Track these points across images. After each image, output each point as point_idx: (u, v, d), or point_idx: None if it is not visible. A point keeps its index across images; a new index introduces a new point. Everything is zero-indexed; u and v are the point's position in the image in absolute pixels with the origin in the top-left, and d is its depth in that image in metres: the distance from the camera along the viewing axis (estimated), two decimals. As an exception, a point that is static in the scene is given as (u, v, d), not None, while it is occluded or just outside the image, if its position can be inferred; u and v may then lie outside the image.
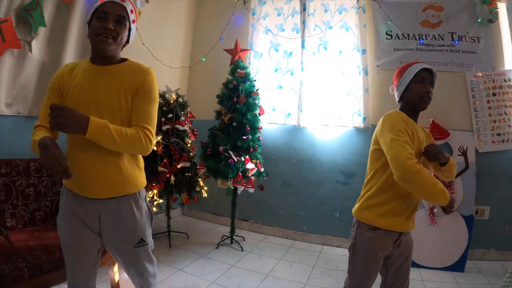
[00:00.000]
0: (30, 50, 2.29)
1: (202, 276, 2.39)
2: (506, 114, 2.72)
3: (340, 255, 2.86)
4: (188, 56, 3.81)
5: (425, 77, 1.30)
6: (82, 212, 1.19)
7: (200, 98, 3.63)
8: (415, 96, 1.29)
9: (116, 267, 2.07)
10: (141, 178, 1.27)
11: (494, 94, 2.75)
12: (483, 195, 2.70)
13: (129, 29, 1.21)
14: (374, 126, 2.85)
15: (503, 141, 2.72)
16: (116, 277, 2.07)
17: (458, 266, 2.59)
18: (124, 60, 1.24)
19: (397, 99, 1.40)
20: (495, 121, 2.73)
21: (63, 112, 0.97)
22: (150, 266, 1.32)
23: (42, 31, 2.31)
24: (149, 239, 1.29)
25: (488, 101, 2.76)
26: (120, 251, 1.26)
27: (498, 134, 2.73)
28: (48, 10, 2.35)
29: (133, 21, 1.22)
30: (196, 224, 3.59)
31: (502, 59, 2.78)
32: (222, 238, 3.03)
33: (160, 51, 3.33)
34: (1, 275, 1.52)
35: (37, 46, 2.31)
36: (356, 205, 1.41)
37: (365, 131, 2.94)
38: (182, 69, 3.71)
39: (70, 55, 2.51)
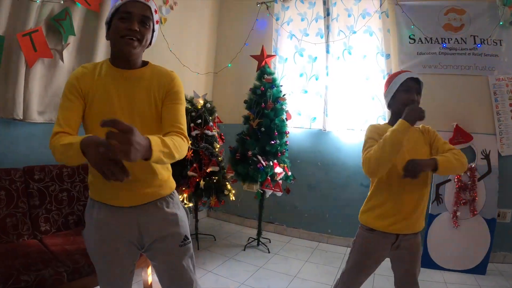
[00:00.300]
0: (62, 59, 2.32)
1: (231, 278, 2.42)
2: (529, 117, 2.73)
3: None
4: (212, 61, 3.81)
5: (411, 86, 1.34)
6: (118, 224, 1.11)
7: (225, 102, 3.63)
8: (400, 104, 1.34)
9: (149, 269, 2.09)
10: (172, 179, 1.24)
11: (516, 97, 2.76)
12: (506, 199, 2.71)
13: (153, 30, 1.13)
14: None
15: (526, 143, 2.73)
16: (149, 279, 2.10)
17: (480, 269, 2.60)
18: (145, 63, 1.17)
19: (386, 106, 1.46)
20: (518, 124, 2.75)
21: (135, 138, 0.75)
22: (192, 266, 1.25)
23: (71, 40, 2.34)
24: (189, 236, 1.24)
25: (511, 105, 2.76)
26: (166, 254, 1.17)
27: (521, 137, 2.74)
28: (76, 20, 2.37)
29: (157, 22, 1.14)
30: (222, 226, 3.62)
31: (525, 63, 2.78)
32: (248, 240, 3.05)
33: (186, 57, 3.33)
34: (41, 279, 1.55)
35: (67, 54, 2.33)
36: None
37: (390, 135, 2.95)
38: (207, 74, 3.71)
39: None
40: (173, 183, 1.24)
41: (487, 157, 2.73)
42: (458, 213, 2.68)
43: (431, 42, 2.93)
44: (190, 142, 1.10)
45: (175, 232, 1.17)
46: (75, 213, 2.26)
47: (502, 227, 2.71)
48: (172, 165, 2.72)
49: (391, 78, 1.41)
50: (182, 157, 1.05)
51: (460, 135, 2.79)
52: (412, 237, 1.36)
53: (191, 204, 2.80)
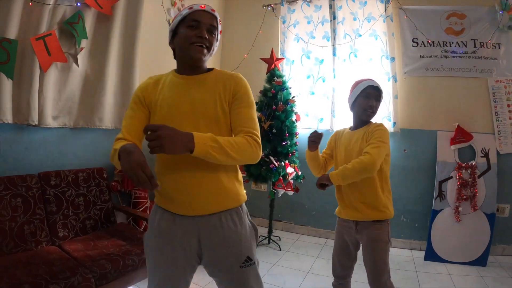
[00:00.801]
0: (76, 63, 2.24)
1: None
2: (525, 117, 2.81)
3: None
4: (218, 64, 3.74)
5: (371, 93, 1.47)
6: (179, 233, 1.06)
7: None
8: (360, 109, 1.49)
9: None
10: (242, 191, 1.14)
11: (514, 99, 2.83)
12: (504, 194, 2.79)
13: (216, 40, 1.13)
14: (403, 130, 2.95)
15: (522, 142, 2.81)
16: None
17: (481, 261, 2.68)
18: (210, 69, 1.14)
19: (349, 108, 1.60)
20: (514, 124, 2.82)
21: (163, 132, 0.85)
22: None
23: (83, 43, 2.25)
24: (256, 257, 1.13)
25: (509, 105, 2.84)
26: (224, 273, 1.09)
27: (518, 136, 2.82)
28: (88, 23, 2.29)
29: (220, 32, 1.14)
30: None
31: (522, 65, 2.85)
32: (259, 238, 3.03)
33: None
34: (70, 287, 1.51)
35: (80, 58, 2.24)
36: None
37: (395, 135, 2.98)
38: None
39: (112, 67, 2.45)
40: (242, 196, 1.13)
41: (486, 155, 2.80)
42: (460, 209, 2.75)
43: (433, 46, 2.96)
44: (260, 148, 1.04)
45: (236, 252, 1.07)
46: (92, 217, 2.21)
47: (501, 221, 2.79)
48: None
49: (355, 85, 1.55)
50: (246, 159, 1.01)
51: (461, 135, 2.85)
52: (369, 226, 1.46)
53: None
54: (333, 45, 3.06)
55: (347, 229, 1.54)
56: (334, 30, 3.06)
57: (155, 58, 2.85)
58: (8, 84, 1.89)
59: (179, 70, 1.12)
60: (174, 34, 1.10)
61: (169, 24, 3.07)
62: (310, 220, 3.33)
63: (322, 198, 3.27)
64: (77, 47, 2.20)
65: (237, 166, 1.13)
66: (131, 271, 1.81)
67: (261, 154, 1.05)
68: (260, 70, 3.08)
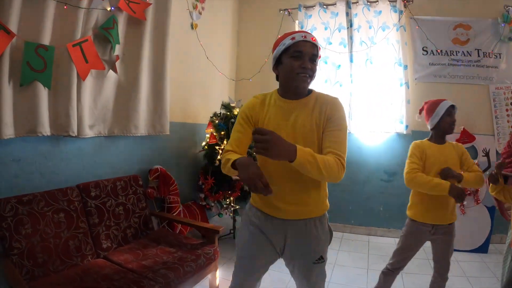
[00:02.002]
0: (115, 70, 2.03)
1: (281, 271, 2.35)
2: (521, 120, 2.93)
3: (386, 243, 2.99)
4: (234, 67, 3.57)
5: (452, 112, 1.64)
6: (269, 230, 1.18)
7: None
8: (447, 124, 1.63)
9: (217, 272, 1.99)
10: (326, 202, 1.24)
11: None
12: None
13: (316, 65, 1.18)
14: (414, 132, 2.98)
15: (518, 143, 2.93)
16: (217, 281, 2.00)
17: (483, 248, 2.82)
18: (310, 91, 1.19)
19: (430, 126, 1.68)
20: (512, 127, 2.93)
21: (271, 137, 0.91)
22: (322, 282, 1.28)
23: (117, 49, 2.04)
24: (326, 256, 1.25)
25: (507, 110, 2.94)
26: (299, 266, 1.23)
27: (515, 138, 2.93)
28: (121, 28, 2.07)
29: (319, 57, 1.17)
30: None
31: (519, 73, 2.95)
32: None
33: (219, 63, 3.10)
34: None
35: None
36: None
37: (407, 136, 3.02)
38: (229, 80, 3.47)
39: (145, 74, 2.26)
40: (326, 206, 1.23)
41: (487, 154, 2.86)
42: (464, 202, 2.84)
43: (441, 54, 3.00)
44: (344, 171, 1.06)
45: (313, 252, 1.19)
46: (132, 226, 2.07)
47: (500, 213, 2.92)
48: (216, 170, 2.49)
49: (434, 106, 1.65)
50: (331, 178, 1.03)
51: (466, 136, 2.92)
52: (446, 226, 1.63)
53: (238, 207, 2.66)
54: (350, 51, 3.00)
55: (425, 232, 1.65)
56: (351, 37, 3.00)
57: (181, 63, 2.66)
58: (44, 93, 1.68)
59: (283, 94, 1.17)
60: (277, 61, 1.15)
61: (192, 27, 2.87)
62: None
63: (337, 194, 3.26)
64: (112, 53, 1.99)
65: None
66: (190, 277, 1.74)
67: (342, 177, 1.07)
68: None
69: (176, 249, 1.88)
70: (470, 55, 2.96)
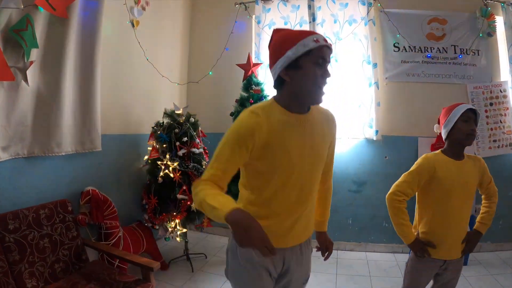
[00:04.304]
0: (26, 81, 1.76)
1: None
2: (501, 122, 2.78)
3: (356, 259, 2.85)
4: (185, 69, 3.31)
5: (470, 117, 1.36)
6: (269, 261, 1.11)
7: (201, 111, 3.30)
8: (462, 134, 1.35)
9: None
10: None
11: (491, 104, 2.81)
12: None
13: None
14: (385, 137, 2.90)
15: (498, 146, 2.79)
16: None
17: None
18: None
19: (444, 136, 1.44)
20: (491, 129, 2.78)
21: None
22: None
23: (34, 54, 1.79)
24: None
25: (486, 111, 2.82)
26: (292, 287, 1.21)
27: (495, 141, 2.79)
28: (39, 29, 1.81)
29: None
30: (208, 240, 3.33)
31: (499, 71, 2.78)
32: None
33: (163, 66, 2.85)
34: None
35: (31, 72, 1.78)
36: None
37: (377, 142, 2.88)
38: (182, 84, 3.25)
39: (70, 81, 2.01)
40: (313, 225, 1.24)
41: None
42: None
43: (415, 51, 2.83)
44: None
45: (305, 272, 1.22)
46: (61, 259, 1.84)
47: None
48: (160, 188, 2.25)
49: (448, 111, 1.40)
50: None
51: (442, 141, 2.84)
52: (456, 261, 1.45)
53: (185, 230, 2.57)
54: (313, 49, 2.88)
55: (434, 268, 1.48)
56: (314, 33, 2.87)
57: (120, 67, 2.53)
58: None
59: (288, 107, 1.00)
60: (293, 65, 0.93)
61: (133, 25, 2.75)
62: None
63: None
64: (26, 60, 1.73)
65: None
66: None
67: None
68: (234, 77, 2.81)
69: (109, 289, 1.62)
70: (446, 52, 2.80)
